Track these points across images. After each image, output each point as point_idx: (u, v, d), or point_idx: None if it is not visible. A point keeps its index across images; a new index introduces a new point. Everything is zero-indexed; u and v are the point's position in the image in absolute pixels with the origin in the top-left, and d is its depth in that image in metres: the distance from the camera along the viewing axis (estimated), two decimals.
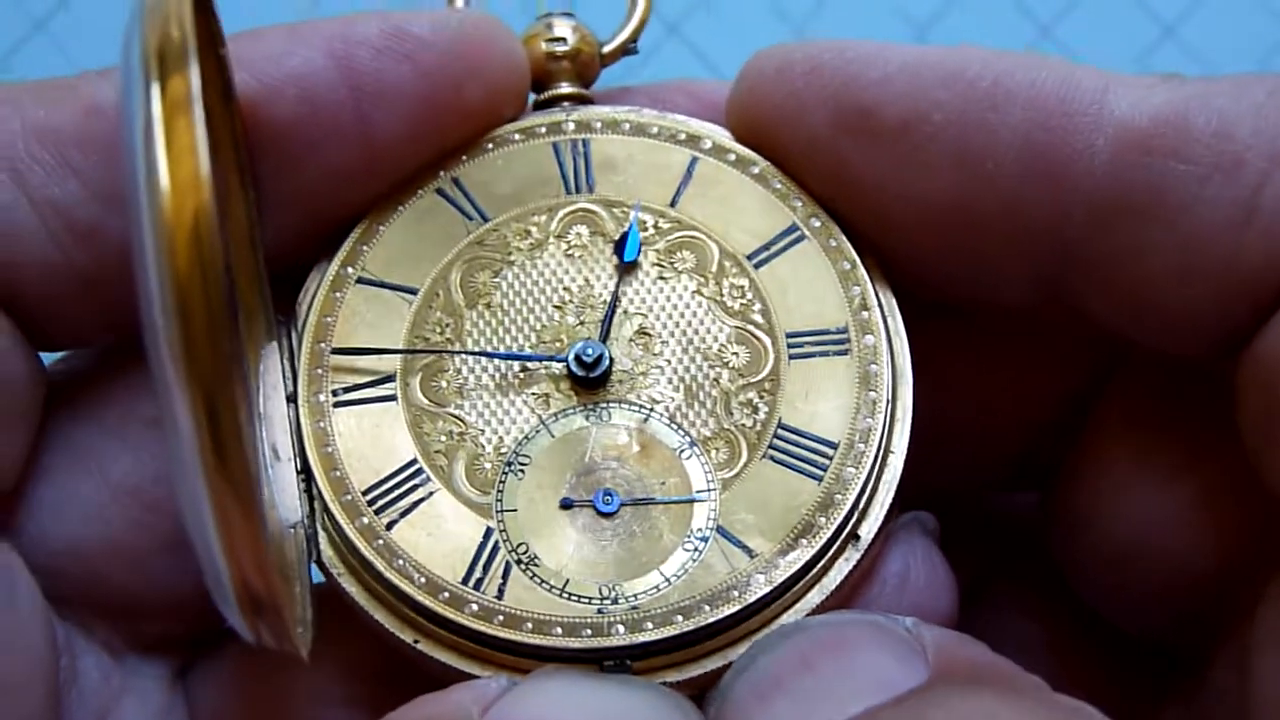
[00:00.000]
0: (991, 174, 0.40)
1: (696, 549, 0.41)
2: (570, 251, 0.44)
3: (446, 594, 0.40)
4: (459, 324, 0.43)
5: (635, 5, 0.49)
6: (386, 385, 0.43)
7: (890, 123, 0.41)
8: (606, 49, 0.48)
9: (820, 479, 0.41)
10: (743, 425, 0.42)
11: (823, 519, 0.41)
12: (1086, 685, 0.36)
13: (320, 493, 0.42)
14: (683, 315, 0.43)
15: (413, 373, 0.43)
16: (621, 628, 0.40)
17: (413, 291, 0.44)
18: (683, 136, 0.45)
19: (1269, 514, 0.40)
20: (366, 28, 0.42)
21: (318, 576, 0.42)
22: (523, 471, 0.42)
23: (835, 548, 0.41)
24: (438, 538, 0.41)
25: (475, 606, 0.40)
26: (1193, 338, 0.40)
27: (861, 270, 0.43)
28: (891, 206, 0.42)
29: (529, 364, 0.43)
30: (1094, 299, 0.41)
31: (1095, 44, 0.77)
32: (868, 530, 0.41)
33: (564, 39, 0.47)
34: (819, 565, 0.41)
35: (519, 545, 0.41)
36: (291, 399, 0.43)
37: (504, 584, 0.40)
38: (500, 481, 0.42)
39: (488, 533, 0.41)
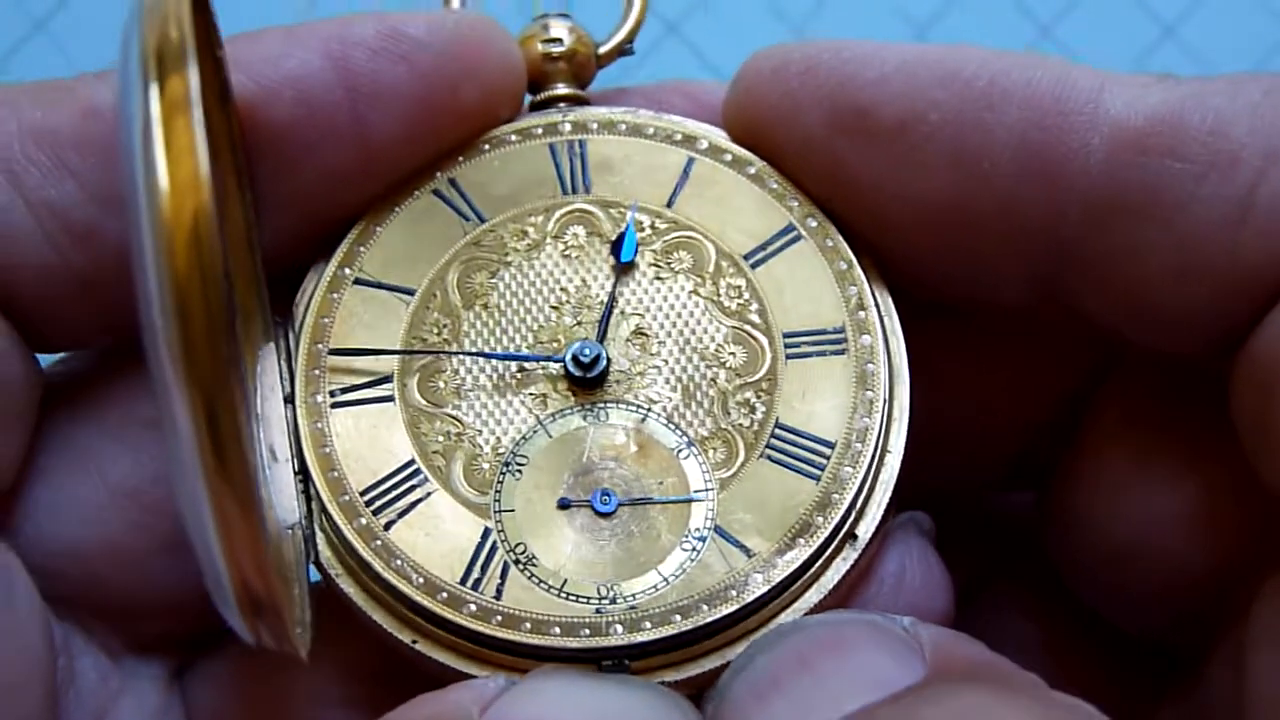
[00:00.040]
0: (987, 173, 0.40)
1: (694, 549, 0.41)
2: (567, 252, 0.44)
3: (445, 594, 0.40)
4: (456, 325, 0.43)
5: (631, 6, 0.49)
6: (384, 386, 0.43)
7: (887, 122, 0.41)
8: (603, 50, 0.48)
9: (818, 479, 0.41)
10: (740, 425, 0.42)
11: (820, 518, 0.41)
12: (1084, 684, 0.36)
13: (318, 493, 0.42)
14: (680, 315, 0.43)
15: (410, 373, 0.43)
16: (620, 627, 0.40)
17: (410, 292, 0.44)
18: (679, 137, 0.45)
19: (1265, 513, 0.40)
20: (363, 29, 0.42)
21: (315, 576, 0.42)
22: (520, 472, 0.42)
23: (833, 547, 0.41)
24: (436, 538, 0.41)
25: (473, 607, 0.40)
26: (1189, 337, 0.40)
27: (858, 270, 0.43)
28: (888, 206, 0.42)
29: (526, 364, 0.43)
30: (1090, 298, 0.41)
31: (1095, 44, 0.77)
32: (865, 530, 0.41)
33: (560, 40, 0.47)
34: (817, 565, 0.41)
35: (517, 545, 0.41)
36: (289, 400, 0.43)
37: (502, 584, 0.40)
38: (498, 482, 0.42)
39: (486, 533, 0.41)
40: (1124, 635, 0.46)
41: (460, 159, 0.45)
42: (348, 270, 0.44)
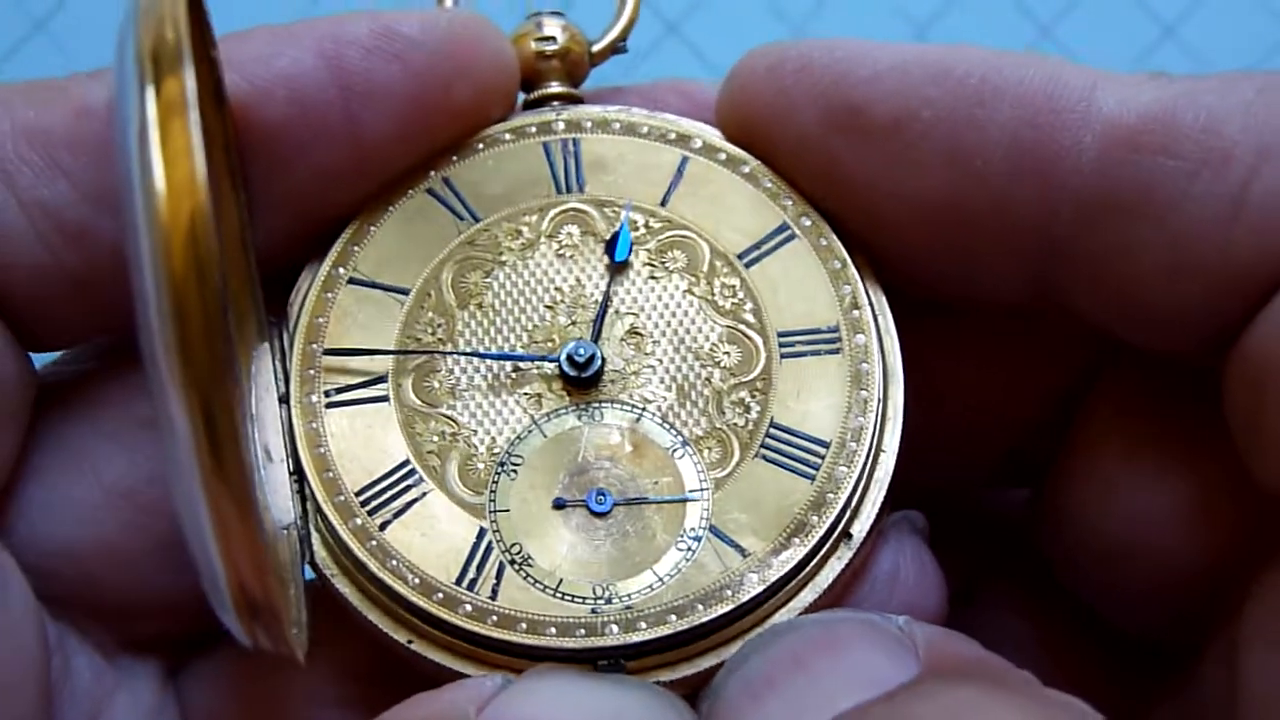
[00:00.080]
0: (980, 171, 0.40)
1: (690, 548, 0.41)
2: (561, 251, 0.44)
3: (440, 594, 0.40)
4: (451, 324, 0.43)
5: (625, 4, 0.49)
6: (379, 386, 0.43)
7: (880, 120, 0.41)
8: (596, 48, 0.48)
9: (812, 478, 0.41)
10: (735, 424, 0.42)
11: (815, 518, 0.41)
12: (1078, 682, 0.36)
13: (313, 494, 0.41)
14: (674, 315, 0.43)
15: (405, 373, 0.43)
16: (615, 627, 0.40)
17: (404, 292, 0.44)
18: (673, 136, 0.45)
19: (1258, 511, 0.40)
20: (356, 28, 0.42)
21: (309, 576, 0.42)
22: (515, 472, 0.42)
23: (828, 547, 0.41)
24: (431, 538, 0.41)
25: (469, 607, 0.40)
26: (1182, 334, 0.41)
27: (852, 269, 0.43)
28: (882, 204, 0.42)
29: (521, 364, 0.43)
30: (1083, 297, 0.41)
31: (1095, 44, 0.77)
32: (860, 529, 0.42)
33: (553, 38, 0.47)
34: (812, 564, 0.41)
35: (512, 545, 0.41)
36: (284, 400, 0.43)
37: (498, 584, 0.40)
38: (493, 482, 0.42)
39: (481, 533, 0.41)
40: (1118, 633, 0.46)
41: (454, 158, 0.45)
42: (342, 270, 0.44)
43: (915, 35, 0.78)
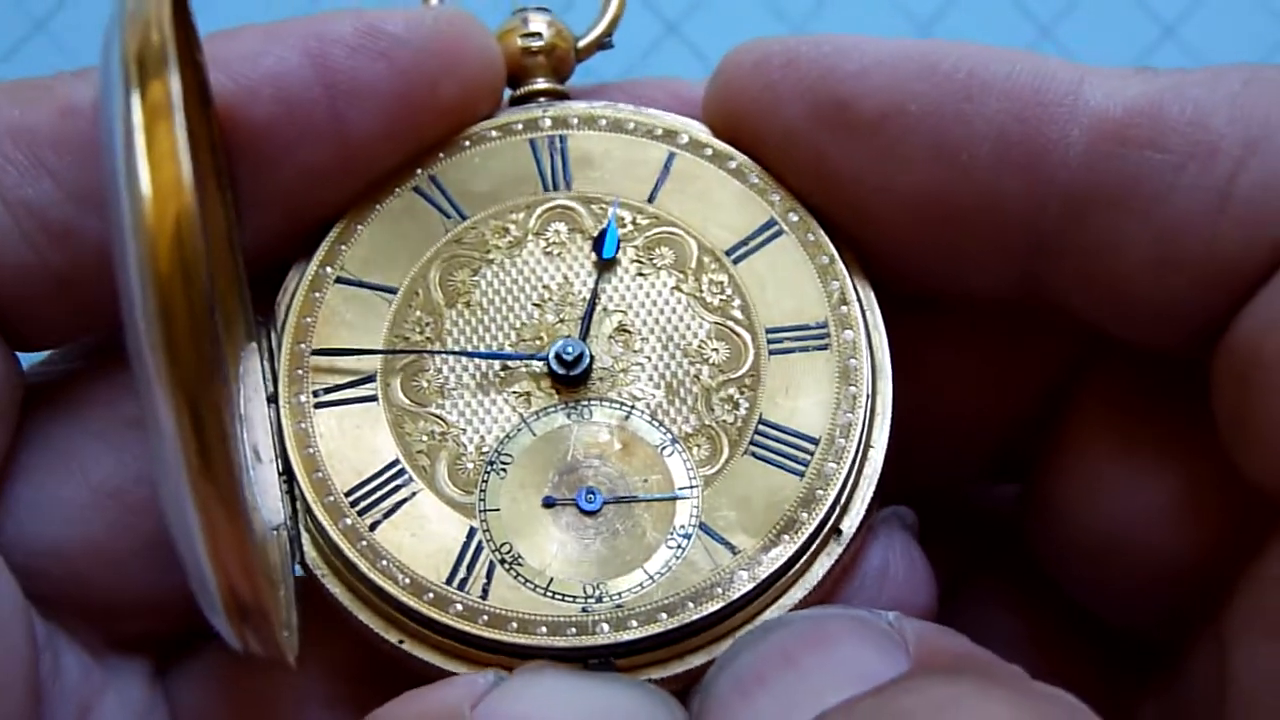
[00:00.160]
0: (967, 165, 0.40)
1: (680, 546, 0.41)
2: (549, 249, 0.44)
3: (431, 594, 0.40)
4: (439, 323, 0.43)
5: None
6: (367, 385, 0.43)
7: (867, 115, 0.41)
8: (582, 43, 0.48)
9: (802, 474, 0.41)
10: (724, 421, 0.42)
11: (805, 514, 0.41)
12: (1068, 677, 0.36)
13: (302, 494, 0.41)
14: (662, 312, 0.43)
15: (393, 372, 0.43)
16: (606, 626, 0.40)
17: (392, 291, 0.44)
18: (659, 132, 0.45)
19: (1245, 504, 0.40)
20: (341, 26, 0.42)
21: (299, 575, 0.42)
22: (505, 470, 0.42)
23: (817, 543, 0.41)
24: (421, 538, 0.41)
25: (460, 607, 0.40)
26: (1169, 328, 0.41)
27: (840, 264, 0.43)
28: (869, 199, 0.42)
29: (509, 362, 0.43)
30: (1071, 291, 0.41)
31: (1095, 44, 0.77)
32: (849, 525, 0.42)
33: (539, 34, 0.47)
34: (801, 561, 0.41)
35: (503, 545, 0.41)
36: (272, 400, 0.43)
37: (488, 584, 0.40)
38: (483, 481, 0.42)
39: (471, 532, 0.41)
40: (1108, 628, 0.47)
41: (441, 156, 0.45)
42: (329, 269, 0.44)
43: (915, 35, 0.77)
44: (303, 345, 0.43)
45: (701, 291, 0.43)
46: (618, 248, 0.44)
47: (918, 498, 0.46)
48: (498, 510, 0.41)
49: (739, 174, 0.44)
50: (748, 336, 0.43)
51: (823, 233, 0.44)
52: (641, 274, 0.44)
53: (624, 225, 0.44)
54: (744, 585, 0.40)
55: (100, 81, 0.33)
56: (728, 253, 0.44)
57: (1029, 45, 0.77)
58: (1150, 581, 0.43)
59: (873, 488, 0.42)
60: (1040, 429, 0.46)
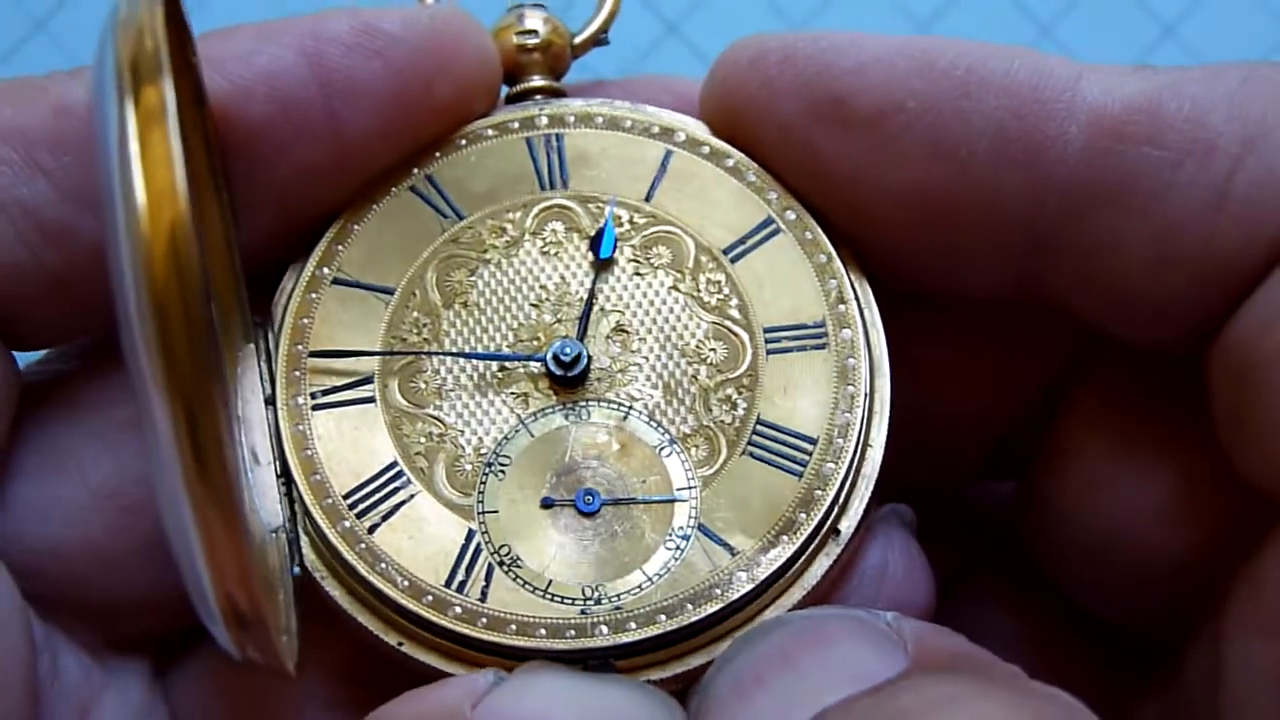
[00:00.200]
0: (965, 162, 0.40)
1: (678, 548, 0.41)
2: (546, 248, 0.44)
3: (430, 597, 0.40)
4: (436, 323, 0.43)
5: None
6: (365, 387, 0.43)
7: (864, 111, 0.41)
8: (578, 40, 0.48)
9: (800, 475, 0.41)
10: (722, 422, 0.42)
11: (803, 515, 0.41)
12: (1066, 676, 0.36)
13: (301, 497, 0.41)
14: (660, 311, 0.43)
15: (391, 374, 0.43)
16: (605, 628, 0.40)
17: (389, 291, 0.43)
18: (656, 130, 0.45)
19: (1241, 502, 0.40)
20: (336, 25, 0.42)
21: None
22: (503, 472, 0.42)
23: (816, 543, 0.41)
24: (420, 540, 0.41)
25: (459, 609, 0.40)
26: (1166, 327, 0.41)
27: (837, 263, 0.43)
28: (866, 197, 0.42)
29: (507, 363, 0.43)
30: (1068, 289, 0.41)
31: (1095, 44, 0.77)
32: (848, 525, 0.42)
33: (535, 31, 0.47)
34: (800, 561, 0.41)
35: (501, 547, 0.41)
36: (269, 402, 0.43)
37: (487, 586, 0.40)
38: (481, 483, 0.42)
39: (470, 535, 0.41)
40: (1106, 627, 0.47)
41: (437, 155, 0.45)
42: (326, 270, 0.44)
43: (915, 34, 0.77)
44: (300, 347, 0.43)
45: (699, 291, 0.43)
46: (615, 247, 0.44)
47: (916, 495, 0.46)
48: (496, 512, 0.41)
49: (736, 172, 0.44)
50: (745, 336, 0.43)
51: (820, 231, 0.44)
52: (639, 273, 0.44)
53: (621, 224, 0.44)
54: (743, 586, 0.40)
55: (94, 87, 0.33)
56: (725, 252, 0.44)
57: (1029, 44, 0.77)
58: (1148, 580, 0.43)
59: (871, 487, 0.42)
60: (1038, 427, 0.46)
